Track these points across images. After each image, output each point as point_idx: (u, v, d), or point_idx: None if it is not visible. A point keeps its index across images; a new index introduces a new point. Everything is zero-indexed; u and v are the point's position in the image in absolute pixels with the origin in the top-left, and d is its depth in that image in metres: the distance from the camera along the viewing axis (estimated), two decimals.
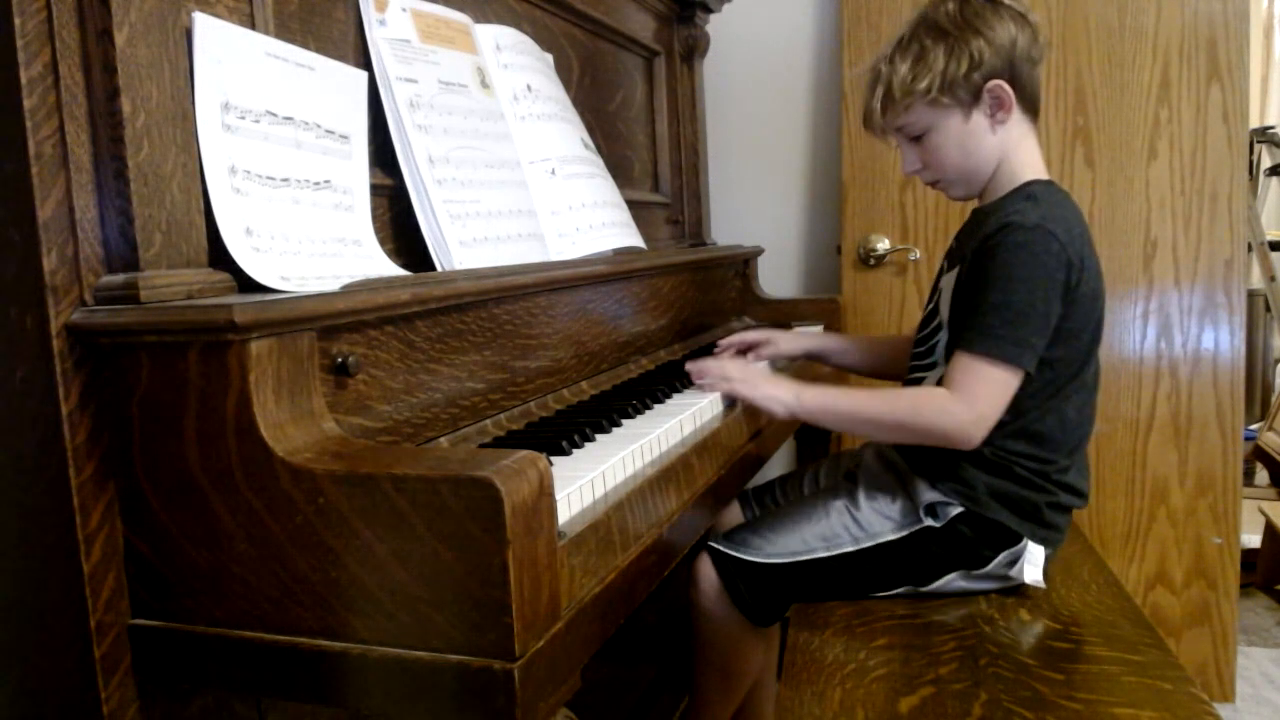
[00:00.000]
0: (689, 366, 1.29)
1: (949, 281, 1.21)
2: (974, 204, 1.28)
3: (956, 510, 1.17)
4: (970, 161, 1.21)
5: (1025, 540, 1.16)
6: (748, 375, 1.24)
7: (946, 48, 1.16)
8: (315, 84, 0.96)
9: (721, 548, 1.23)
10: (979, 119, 1.18)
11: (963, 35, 1.15)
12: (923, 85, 1.16)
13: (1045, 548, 1.18)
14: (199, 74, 0.82)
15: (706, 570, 1.24)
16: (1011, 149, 1.20)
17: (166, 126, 0.78)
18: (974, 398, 1.10)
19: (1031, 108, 1.21)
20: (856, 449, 1.47)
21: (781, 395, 1.20)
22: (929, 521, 1.18)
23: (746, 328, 1.94)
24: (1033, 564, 1.17)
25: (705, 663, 1.31)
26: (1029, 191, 1.17)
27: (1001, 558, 1.17)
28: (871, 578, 1.21)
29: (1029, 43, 1.16)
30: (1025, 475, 1.16)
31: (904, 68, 1.18)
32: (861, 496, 1.24)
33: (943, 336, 1.21)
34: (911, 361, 1.29)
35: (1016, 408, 1.13)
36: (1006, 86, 1.15)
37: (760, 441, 1.28)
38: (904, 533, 1.19)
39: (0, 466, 0.75)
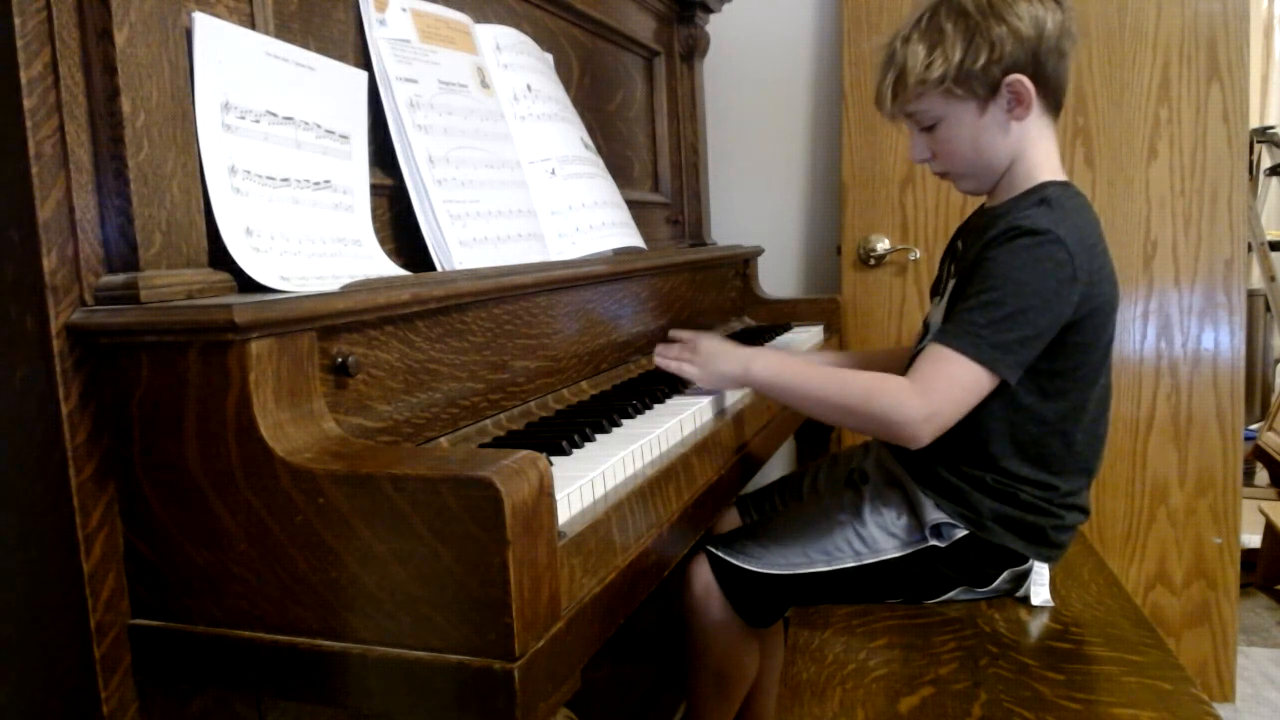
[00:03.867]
0: (658, 360, 1.26)
1: (952, 288, 1.16)
2: (979, 201, 1.24)
3: (961, 533, 1.14)
4: (982, 157, 1.14)
5: (1031, 560, 1.15)
6: (696, 359, 1.21)
7: (966, 35, 1.08)
8: (315, 84, 0.96)
9: (720, 553, 1.21)
10: (995, 114, 1.11)
11: (985, 22, 1.07)
12: (936, 74, 1.09)
13: (1050, 564, 1.17)
14: (199, 74, 0.82)
15: (703, 573, 1.22)
16: (1028, 146, 1.13)
17: (166, 126, 0.78)
18: (933, 392, 1.04)
19: (1054, 103, 1.14)
20: (857, 449, 1.45)
21: (729, 368, 1.17)
22: (934, 542, 1.15)
23: (746, 328, 1.94)
24: (1039, 584, 1.15)
25: (700, 668, 1.29)
26: (1044, 194, 1.11)
27: (1006, 576, 1.16)
28: (872, 592, 1.19)
29: (1058, 33, 1.08)
30: (1030, 500, 1.12)
31: (919, 52, 1.10)
32: (866, 511, 1.20)
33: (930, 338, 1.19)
34: (907, 368, 1.27)
35: (1021, 424, 1.10)
36: (1027, 82, 1.08)
37: (760, 441, 1.28)
38: (908, 551, 1.16)
39: (0, 466, 0.75)
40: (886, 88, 1.15)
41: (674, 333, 1.33)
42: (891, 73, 1.14)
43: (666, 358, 1.25)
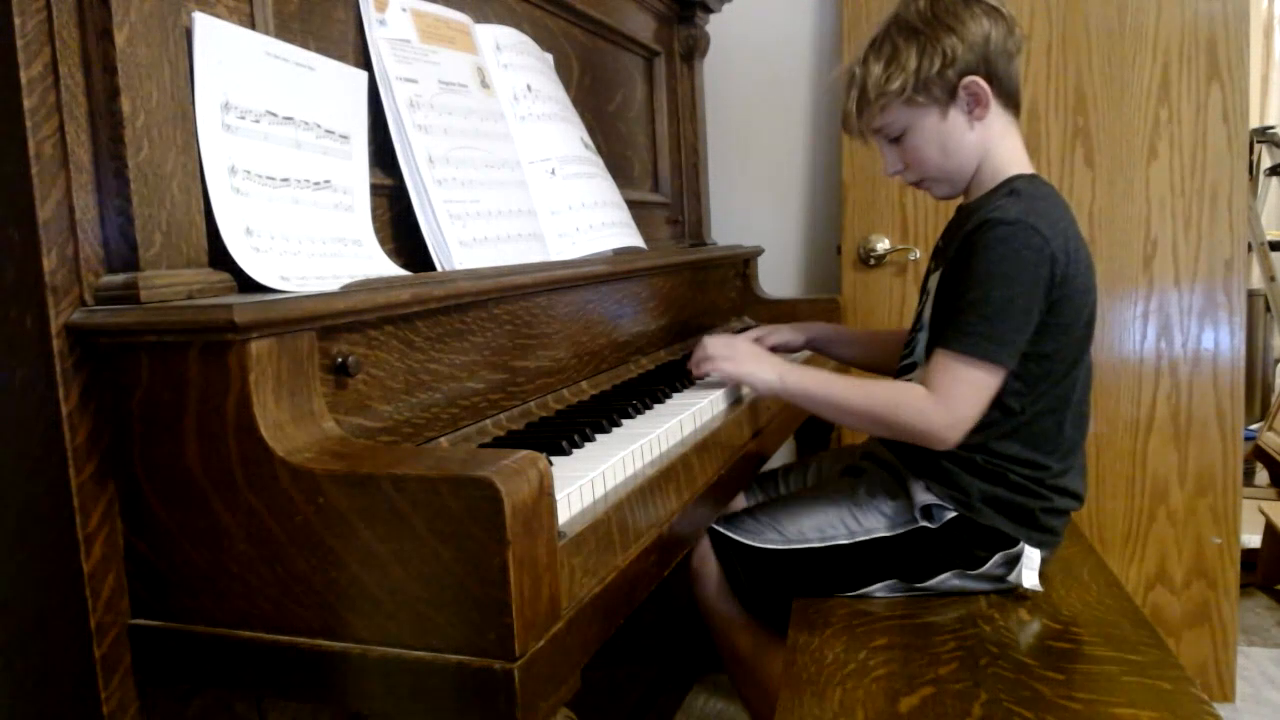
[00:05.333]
0: (690, 364, 1.29)
1: (935, 282, 1.20)
2: (960, 201, 1.28)
3: (951, 514, 1.16)
4: (951, 160, 1.20)
5: (1021, 544, 1.16)
6: (733, 352, 1.24)
7: (919, 46, 1.15)
8: (315, 84, 0.96)
9: (721, 529, 1.25)
10: (957, 116, 1.17)
11: (934, 32, 1.14)
12: (896, 85, 1.15)
13: (1041, 550, 1.17)
14: (199, 74, 0.82)
15: (706, 552, 1.26)
16: (993, 145, 1.19)
17: (166, 126, 0.78)
18: (951, 399, 1.09)
19: (1011, 102, 1.20)
20: (859, 444, 1.47)
21: (764, 374, 1.20)
22: (924, 523, 1.18)
23: (746, 327, 1.94)
24: (1029, 568, 1.16)
25: (720, 646, 1.33)
26: (1012, 187, 1.16)
27: (997, 559, 1.17)
28: (864, 571, 1.21)
29: (1004, 36, 1.15)
30: (1019, 481, 1.15)
31: (877, 68, 1.17)
32: (861, 492, 1.24)
33: (922, 337, 1.21)
34: (899, 363, 1.29)
35: (1008, 408, 1.13)
36: (982, 82, 1.14)
37: (760, 440, 1.28)
38: (898, 531, 1.19)
39: (0, 467, 0.75)
40: (851, 106, 1.22)
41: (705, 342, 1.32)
42: (854, 92, 1.21)
43: (699, 362, 1.26)
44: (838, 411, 1.18)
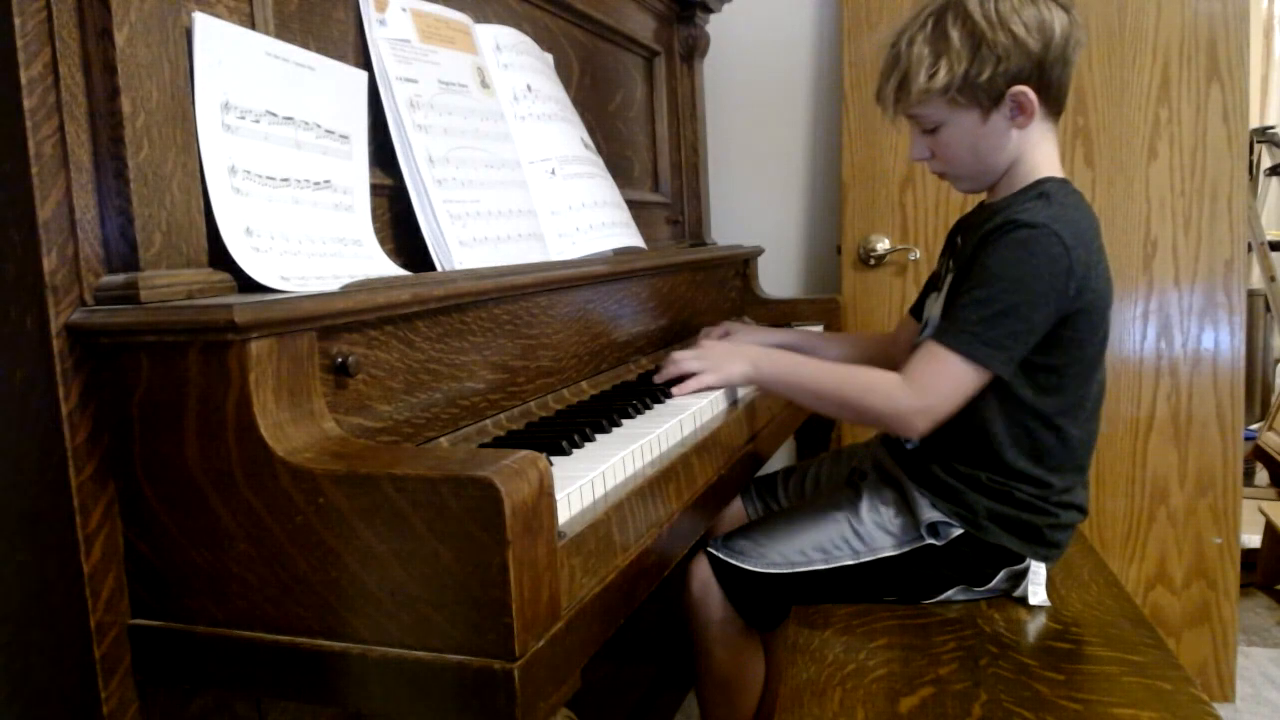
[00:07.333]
0: (658, 378, 1.22)
1: (949, 284, 1.17)
2: (980, 199, 1.25)
3: (958, 532, 1.14)
4: (982, 161, 1.15)
5: (1028, 560, 1.15)
6: (704, 364, 1.18)
7: (972, 45, 1.07)
8: (315, 84, 0.96)
9: (720, 554, 1.21)
10: (997, 121, 1.11)
11: (992, 33, 1.06)
12: (941, 84, 1.09)
13: (1046, 564, 1.16)
14: (199, 74, 0.82)
15: (702, 573, 1.22)
16: (1029, 150, 1.13)
17: (166, 126, 0.78)
18: (925, 388, 1.06)
19: (1056, 109, 1.14)
20: (859, 446, 1.46)
21: (739, 366, 1.17)
22: (930, 540, 1.15)
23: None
24: (1036, 583, 1.15)
25: (703, 670, 1.29)
26: (1042, 189, 1.11)
27: (1003, 575, 1.16)
28: (870, 590, 1.19)
29: (1064, 42, 1.08)
30: (1026, 500, 1.12)
31: (924, 58, 1.09)
32: (863, 508, 1.20)
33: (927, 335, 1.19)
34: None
35: (1017, 422, 1.11)
36: (1031, 94, 1.08)
37: (760, 441, 1.28)
38: (905, 549, 1.16)
39: (0, 466, 0.75)
40: (889, 91, 1.15)
41: (674, 355, 1.25)
42: (895, 77, 1.14)
43: (671, 373, 1.19)
44: (812, 396, 1.15)
